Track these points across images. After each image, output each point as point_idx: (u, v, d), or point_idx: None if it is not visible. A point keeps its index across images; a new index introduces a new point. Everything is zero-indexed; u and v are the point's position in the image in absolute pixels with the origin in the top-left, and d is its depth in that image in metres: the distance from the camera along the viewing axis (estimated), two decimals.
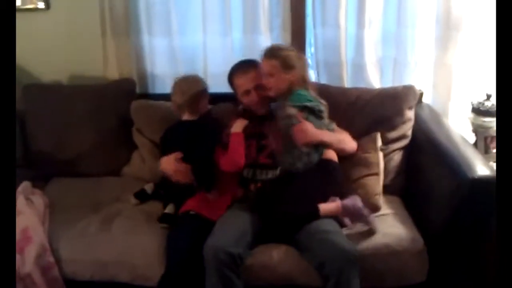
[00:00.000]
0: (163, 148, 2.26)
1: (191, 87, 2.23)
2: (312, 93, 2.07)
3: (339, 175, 2.10)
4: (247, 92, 2.15)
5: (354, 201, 1.97)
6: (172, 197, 2.16)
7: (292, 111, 1.97)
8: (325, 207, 1.95)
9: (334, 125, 2.15)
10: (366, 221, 1.95)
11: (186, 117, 2.24)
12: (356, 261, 1.77)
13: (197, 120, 2.24)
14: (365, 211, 1.95)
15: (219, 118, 2.30)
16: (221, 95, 2.42)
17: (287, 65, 2.01)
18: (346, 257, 1.76)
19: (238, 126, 2.14)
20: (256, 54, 2.34)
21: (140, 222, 2.09)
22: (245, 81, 2.15)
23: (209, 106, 2.33)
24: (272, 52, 2.05)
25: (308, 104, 2.01)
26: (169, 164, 2.14)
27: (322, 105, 2.06)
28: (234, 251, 1.79)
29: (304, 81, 2.05)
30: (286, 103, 2.00)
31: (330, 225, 1.91)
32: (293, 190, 2.00)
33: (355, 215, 1.96)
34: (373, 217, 1.98)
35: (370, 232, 1.94)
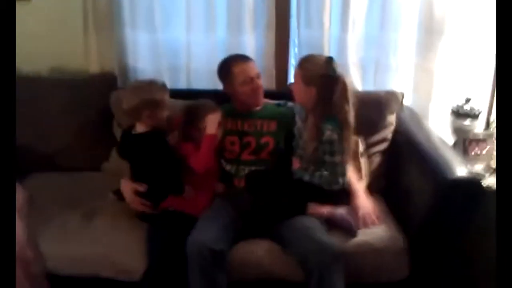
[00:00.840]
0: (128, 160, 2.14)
1: (141, 93, 2.01)
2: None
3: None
4: (250, 80, 2.13)
5: (343, 211, 1.98)
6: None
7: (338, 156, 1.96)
8: (313, 206, 1.97)
9: None
10: (351, 233, 1.95)
11: (137, 128, 2.06)
12: (338, 256, 1.79)
13: (148, 133, 2.03)
14: (353, 224, 1.96)
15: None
16: (203, 92, 2.41)
17: (306, 79, 1.98)
18: (329, 253, 1.78)
19: (212, 125, 2.05)
20: (240, 52, 2.36)
21: (122, 217, 2.07)
22: (247, 68, 2.14)
23: (165, 117, 2.06)
24: (300, 61, 2.06)
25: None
26: (127, 192, 2.06)
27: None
28: (217, 247, 1.79)
29: (341, 108, 1.94)
30: (326, 126, 1.95)
31: (312, 221, 1.93)
32: (288, 183, 2.02)
33: (341, 224, 1.96)
34: (358, 231, 1.97)
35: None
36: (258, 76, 2.17)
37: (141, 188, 2.03)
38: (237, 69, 2.14)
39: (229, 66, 2.17)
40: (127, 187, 2.06)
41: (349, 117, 1.95)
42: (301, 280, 1.84)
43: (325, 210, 1.97)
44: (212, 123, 2.04)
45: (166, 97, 2.05)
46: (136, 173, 2.09)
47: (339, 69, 1.95)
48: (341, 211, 1.98)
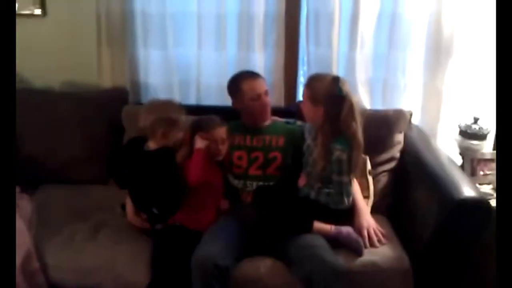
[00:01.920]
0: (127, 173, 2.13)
1: (158, 111, 2.04)
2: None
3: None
4: (258, 97, 2.17)
5: (349, 230, 1.97)
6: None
7: (345, 177, 1.96)
8: (319, 224, 1.97)
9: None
10: (357, 252, 1.94)
11: (149, 144, 2.07)
12: (343, 276, 1.78)
13: (159, 150, 2.04)
14: (360, 242, 1.95)
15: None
16: (212, 108, 2.44)
17: (314, 98, 1.99)
18: (334, 273, 1.77)
19: (200, 140, 2.05)
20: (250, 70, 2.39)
21: (127, 231, 2.08)
22: (256, 85, 2.18)
23: (180, 137, 2.08)
24: (308, 80, 2.08)
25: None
26: (130, 211, 2.10)
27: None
28: (221, 263, 1.79)
29: (349, 126, 1.93)
30: (335, 145, 1.95)
31: (318, 240, 1.92)
32: (294, 200, 2.03)
33: (347, 243, 1.95)
34: (364, 251, 1.95)
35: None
36: (266, 93, 2.21)
37: (143, 216, 2.06)
38: (246, 85, 2.18)
39: (239, 83, 2.20)
40: (130, 206, 2.10)
41: (357, 136, 1.95)
42: None
43: (332, 228, 1.96)
44: (199, 139, 2.04)
45: (182, 118, 2.07)
46: (137, 188, 2.09)
47: (346, 88, 1.95)
48: (347, 229, 1.97)
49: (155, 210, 2.04)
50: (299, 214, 2.00)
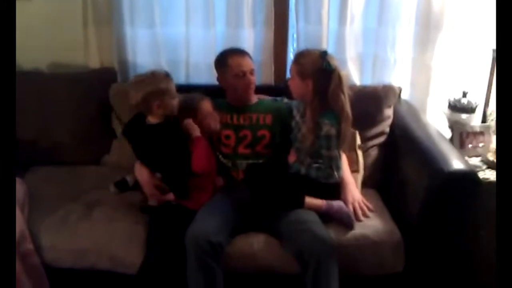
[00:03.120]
0: (133, 146, 2.14)
1: (145, 86, 2.01)
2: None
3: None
4: (243, 74, 2.15)
5: (340, 204, 2.00)
6: None
7: (334, 151, 1.98)
8: (311, 199, 1.99)
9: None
10: (348, 225, 1.97)
11: (149, 119, 2.07)
12: (334, 249, 1.81)
13: (162, 124, 2.05)
14: (351, 216, 1.98)
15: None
16: (201, 86, 2.40)
17: (302, 74, 1.99)
18: (325, 246, 1.80)
19: (194, 127, 2.07)
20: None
21: (121, 210, 2.09)
22: (242, 62, 2.17)
23: (176, 104, 2.08)
24: (296, 56, 2.08)
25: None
26: (144, 180, 2.07)
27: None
28: (214, 240, 1.80)
29: (337, 100, 1.95)
30: (323, 120, 1.96)
31: (309, 215, 1.94)
32: (285, 176, 2.04)
33: (338, 217, 1.97)
34: (355, 224, 1.99)
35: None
36: (251, 72, 2.19)
37: (158, 176, 2.05)
38: (232, 61, 2.16)
39: (225, 57, 2.19)
40: (143, 169, 2.07)
41: (346, 109, 1.96)
42: (298, 272, 1.85)
43: (323, 202, 1.98)
44: (191, 126, 2.06)
45: (171, 85, 2.06)
46: (148, 163, 2.09)
47: (334, 62, 1.97)
48: (338, 203, 1.99)
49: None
50: (290, 190, 2.01)
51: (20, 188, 2.14)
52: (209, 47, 2.55)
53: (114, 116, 2.51)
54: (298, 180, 2.04)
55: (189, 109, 2.09)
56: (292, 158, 2.09)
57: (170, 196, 2.05)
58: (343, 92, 1.95)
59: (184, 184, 2.05)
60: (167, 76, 2.08)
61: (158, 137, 2.04)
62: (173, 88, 2.06)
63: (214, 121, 2.13)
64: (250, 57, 2.23)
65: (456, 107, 2.34)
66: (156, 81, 2.02)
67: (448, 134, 2.37)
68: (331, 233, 1.89)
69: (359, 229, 1.97)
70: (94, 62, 2.59)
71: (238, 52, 2.22)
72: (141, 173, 2.08)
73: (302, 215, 1.93)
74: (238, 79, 2.15)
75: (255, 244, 1.93)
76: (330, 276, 1.79)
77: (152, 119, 2.06)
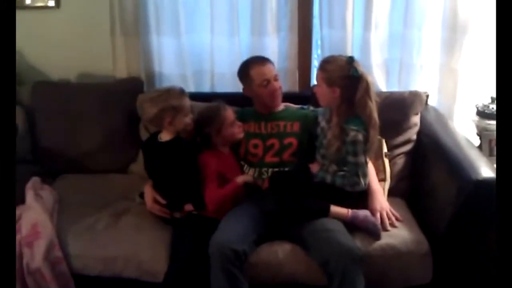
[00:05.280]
0: (146, 165, 2.21)
1: (159, 102, 2.04)
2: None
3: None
4: (267, 82, 2.15)
5: (366, 213, 1.97)
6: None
7: (361, 157, 1.96)
8: (336, 208, 1.97)
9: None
10: (375, 235, 1.95)
11: (161, 136, 2.11)
12: (360, 260, 1.78)
13: (171, 141, 2.08)
14: (377, 225, 1.96)
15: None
16: (226, 95, 2.43)
17: (329, 80, 1.98)
18: (351, 256, 1.77)
19: (244, 178, 2.11)
20: (263, 55, 2.38)
21: (147, 219, 2.11)
22: (265, 70, 2.17)
23: (188, 121, 2.09)
24: (322, 62, 2.07)
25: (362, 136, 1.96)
26: (148, 198, 2.12)
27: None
28: (239, 248, 1.80)
29: (365, 106, 1.93)
30: (349, 126, 1.95)
31: (335, 224, 1.92)
32: (310, 184, 2.03)
33: (364, 226, 1.95)
34: (381, 233, 1.96)
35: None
36: (275, 78, 2.19)
37: (161, 200, 2.09)
38: (254, 71, 2.17)
39: (247, 69, 2.20)
40: (149, 194, 2.12)
41: (373, 115, 1.94)
42: (323, 284, 1.83)
43: (349, 212, 1.96)
44: (246, 176, 2.12)
45: (186, 102, 2.08)
46: (157, 179, 2.13)
47: (361, 68, 1.95)
48: (364, 213, 1.97)
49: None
50: (315, 198, 2.00)
51: (49, 196, 2.19)
52: (234, 55, 2.57)
53: (141, 125, 2.54)
54: (323, 188, 2.02)
55: (211, 119, 2.10)
56: (315, 167, 2.08)
57: (189, 207, 2.06)
58: (370, 99, 1.93)
59: (199, 196, 2.05)
60: (182, 92, 2.11)
61: (170, 153, 2.06)
62: (187, 105, 2.08)
63: (238, 129, 2.15)
64: (271, 63, 2.23)
65: (484, 113, 2.30)
66: (169, 97, 2.05)
67: (476, 141, 2.32)
68: (358, 243, 1.87)
69: (386, 239, 1.94)
70: (121, 72, 2.63)
71: (259, 61, 2.22)
72: (147, 197, 2.13)
73: (328, 224, 1.91)
74: (263, 88, 2.16)
75: (280, 253, 1.92)
76: (356, 287, 1.76)
77: (163, 136, 2.10)
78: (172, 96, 2.06)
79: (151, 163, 2.17)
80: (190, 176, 2.06)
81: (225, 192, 2.05)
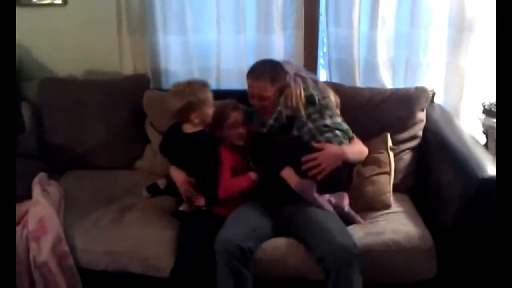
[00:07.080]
0: (169, 156, 2.24)
1: (185, 96, 2.06)
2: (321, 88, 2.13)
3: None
4: (251, 97, 2.18)
5: (339, 196, 2.04)
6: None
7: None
8: (289, 174, 2.00)
9: (352, 134, 2.14)
10: (347, 218, 2.01)
11: (185, 128, 2.15)
12: (355, 256, 1.78)
13: (198, 133, 2.12)
14: (345, 208, 2.03)
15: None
16: (232, 92, 2.44)
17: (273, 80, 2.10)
18: (345, 253, 1.77)
19: (256, 175, 2.11)
20: (269, 53, 2.39)
21: (153, 214, 2.13)
22: (251, 86, 2.17)
23: (211, 113, 2.13)
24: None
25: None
26: (180, 181, 2.14)
27: (327, 100, 2.11)
28: (244, 245, 1.81)
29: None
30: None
31: (330, 221, 1.92)
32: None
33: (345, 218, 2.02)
34: (353, 214, 2.04)
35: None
36: (261, 98, 2.14)
37: (192, 180, 2.10)
38: (247, 81, 2.18)
39: (247, 75, 2.19)
40: (179, 172, 2.14)
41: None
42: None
43: (296, 179, 1.98)
44: (254, 173, 2.11)
45: (209, 94, 2.11)
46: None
47: None
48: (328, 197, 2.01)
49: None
50: (284, 151, 2.05)
51: (56, 191, 2.20)
52: (240, 53, 2.58)
53: (148, 121, 2.55)
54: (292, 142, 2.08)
55: (216, 114, 2.12)
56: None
57: (201, 202, 2.07)
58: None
59: (213, 192, 2.07)
60: (204, 85, 2.12)
61: (194, 145, 2.09)
62: (210, 97, 2.11)
63: (238, 134, 2.14)
64: (270, 78, 2.13)
65: (490, 112, 2.29)
66: (195, 91, 2.08)
67: (482, 139, 2.32)
68: (362, 239, 1.88)
69: (390, 234, 1.94)
70: (127, 69, 2.64)
71: (255, 74, 2.16)
72: (178, 175, 2.14)
73: (327, 224, 1.90)
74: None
75: (284, 249, 1.92)
76: (351, 283, 1.76)
77: (188, 128, 2.11)
78: (197, 89, 2.09)
79: (173, 152, 2.19)
80: (210, 169, 2.08)
81: (240, 184, 2.07)
